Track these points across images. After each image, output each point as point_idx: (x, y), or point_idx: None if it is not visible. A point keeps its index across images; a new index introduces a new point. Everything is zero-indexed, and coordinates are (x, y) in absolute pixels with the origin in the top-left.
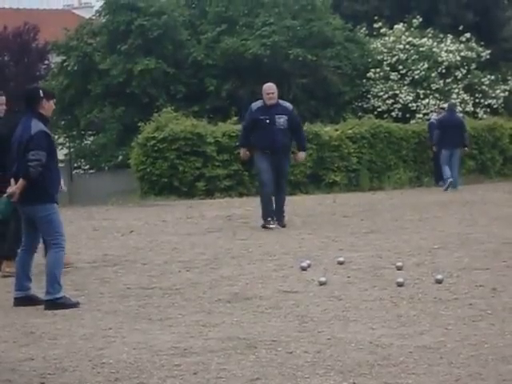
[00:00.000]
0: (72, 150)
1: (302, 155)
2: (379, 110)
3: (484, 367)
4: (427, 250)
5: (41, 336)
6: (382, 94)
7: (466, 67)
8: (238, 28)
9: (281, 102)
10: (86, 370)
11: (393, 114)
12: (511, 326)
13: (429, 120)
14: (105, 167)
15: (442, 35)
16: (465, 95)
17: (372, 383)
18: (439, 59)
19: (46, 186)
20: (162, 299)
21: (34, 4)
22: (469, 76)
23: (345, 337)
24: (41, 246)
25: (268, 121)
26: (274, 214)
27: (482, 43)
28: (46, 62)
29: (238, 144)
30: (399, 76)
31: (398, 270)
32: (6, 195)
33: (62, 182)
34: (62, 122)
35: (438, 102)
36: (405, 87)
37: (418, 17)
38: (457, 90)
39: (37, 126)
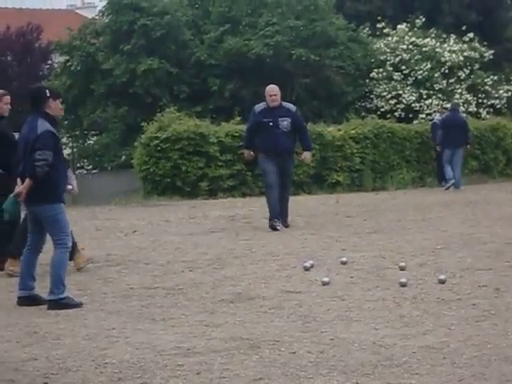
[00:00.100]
0: (75, 149)
1: (307, 155)
2: (382, 110)
3: (487, 367)
4: (430, 250)
5: (44, 336)
6: (385, 94)
7: (469, 67)
8: (241, 28)
9: (284, 103)
10: (89, 369)
11: (396, 114)
12: None
13: (432, 120)
14: (108, 167)
15: (445, 35)
16: (468, 95)
17: (375, 383)
18: (442, 59)
19: (52, 186)
20: (165, 299)
21: (37, 4)
22: (472, 76)
23: (348, 337)
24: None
25: (271, 123)
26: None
27: (485, 43)
28: (49, 61)
29: (241, 145)
30: (402, 76)
31: (401, 270)
32: (12, 195)
33: (74, 184)
34: (65, 122)
35: (441, 102)
36: (408, 87)
37: (421, 17)
38: (460, 91)
39: (43, 125)
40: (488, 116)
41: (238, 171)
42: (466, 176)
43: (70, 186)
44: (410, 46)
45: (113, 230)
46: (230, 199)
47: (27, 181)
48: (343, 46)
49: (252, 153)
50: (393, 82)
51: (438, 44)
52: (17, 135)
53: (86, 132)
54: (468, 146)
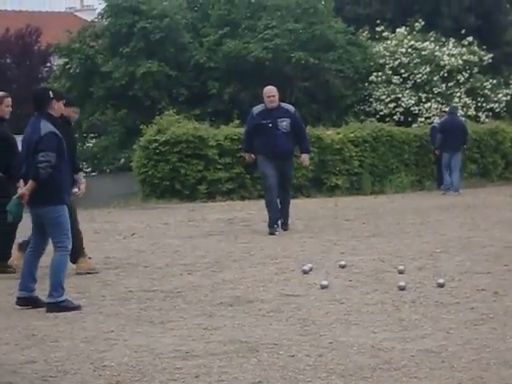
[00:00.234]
0: None
1: (305, 158)
2: (381, 113)
3: (486, 371)
4: (429, 254)
5: (42, 338)
6: (384, 97)
7: (468, 71)
8: (240, 31)
9: (282, 104)
10: (87, 372)
11: (395, 117)
12: None
13: (431, 124)
14: (107, 170)
15: (444, 39)
16: (467, 99)
17: None
18: (441, 63)
19: (56, 188)
20: (164, 302)
21: (37, 6)
22: (471, 80)
23: (346, 340)
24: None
25: (270, 125)
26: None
27: (484, 47)
28: (48, 64)
29: (241, 149)
30: (401, 80)
31: (400, 273)
32: (16, 196)
33: (82, 188)
34: None
35: (439, 105)
36: (407, 91)
37: (420, 20)
38: (459, 94)
39: (46, 126)
40: (487, 120)
41: (236, 174)
42: (465, 180)
43: (76, 189)
44: (409, 50)
45: (111, 232)
46: (229, 202)
47: (30, 182)
48: (342, 49)
49: (253, 155)
50: (392, 86)
51: (437, 47)
52: (16, 137)
53: (84, 135)
54: (465, 146)
